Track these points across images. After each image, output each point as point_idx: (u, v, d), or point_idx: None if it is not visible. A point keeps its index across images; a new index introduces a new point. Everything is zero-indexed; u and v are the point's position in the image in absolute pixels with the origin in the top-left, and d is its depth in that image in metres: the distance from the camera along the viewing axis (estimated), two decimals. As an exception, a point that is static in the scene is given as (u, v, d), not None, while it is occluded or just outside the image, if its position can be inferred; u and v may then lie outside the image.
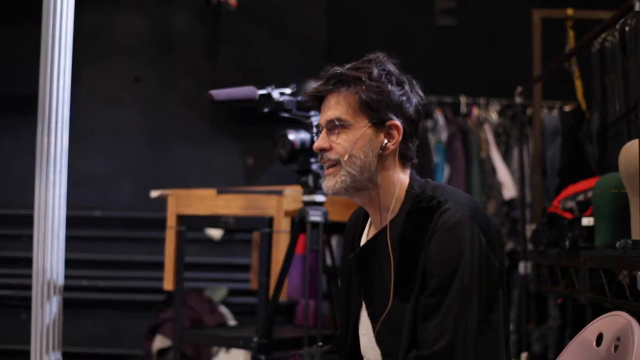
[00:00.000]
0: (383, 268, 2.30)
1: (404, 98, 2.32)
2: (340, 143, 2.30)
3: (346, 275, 2.49)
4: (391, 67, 2.34)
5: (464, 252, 2.14)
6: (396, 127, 2.31)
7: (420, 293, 2.16)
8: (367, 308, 2.35)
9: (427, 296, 2.15)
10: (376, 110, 2.29)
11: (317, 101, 2.40)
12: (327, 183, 2.34)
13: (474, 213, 2.21)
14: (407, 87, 2.34)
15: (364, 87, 2.29)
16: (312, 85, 2.42)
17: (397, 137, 2.31)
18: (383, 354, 2.30)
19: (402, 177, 2.35)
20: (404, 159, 2.36)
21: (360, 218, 2.52)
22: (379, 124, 2.30)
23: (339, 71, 2.33)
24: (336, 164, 2.31)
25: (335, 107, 2.32)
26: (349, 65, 2.35)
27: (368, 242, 2.38)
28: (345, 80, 2.31)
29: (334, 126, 2.31)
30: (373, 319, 2.32)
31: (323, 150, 2.33)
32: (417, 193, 2.31)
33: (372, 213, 2.40)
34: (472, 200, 2.33)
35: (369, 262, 2.35)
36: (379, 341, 2.31)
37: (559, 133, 5.99)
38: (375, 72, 2.31)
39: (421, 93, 2.38)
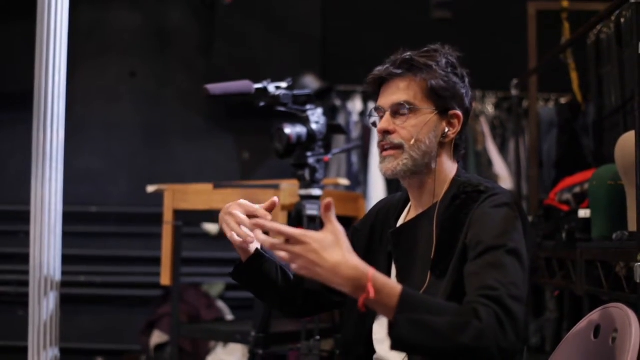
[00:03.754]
0: (422, 246, 2.31)
1: (464, 91, 2.38)
2: (407, 127, 2.32)
3: (364, 252, 2.48)
4: (454, 60, 2.39)
5: (509, 224, 2.13)
6: (458, 116, 2.36)
7: (458, 269, 2.14)
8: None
9: (474, 258, 2.10)
10: (443, 99, 2.33)
11: (377, 85, 2.42)
12: (388, 164, 2.34)
13: (519, 205, 2.23)
14: (466, 80, 2.40)
15: (435, 75, 2.33)
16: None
17: (458, 126, 2.37)
18: None
19: (452, 167, 2.40)
20: (455, 150, 2.41)
21: (396, 203, 2.54)
22: (443, 112, 2.34)
23: (409, 56, 2.36)
24: (398, 147, 2.33)
25: (404, 91, 2.34)
26: (416, 53, 2.38)
27: (410, 220, 2.40)
28: (417, 66, 2.34)
29: (401, 110, 2.34)
30: None
31: (386, 132, 2.34)
32: (463, 180, 2.34)
33: (417, 197, 2.41)
34: (515, 195, 2.33)
35: (408, 239, 2.36)
36: None
37: (555, 125, 6.00)
38: (443, 61, 2.35)
39: (470, 89, 2.43)
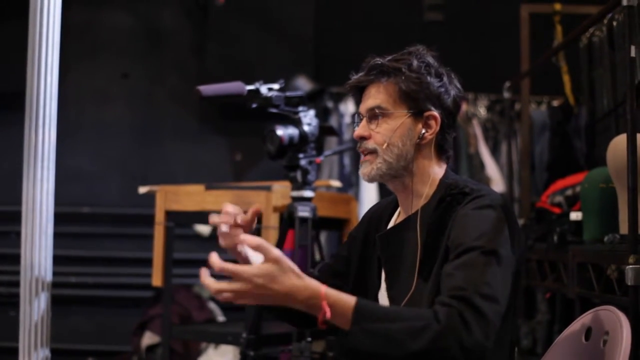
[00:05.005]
0: (409, 250, 2.31)
1: (442, 90, 2.36)
2: (380, 132, 2.34)
3: (359, 258, 2.51)
4: (430, 60, 2.38)
5: (490, 226, 2.13)
6: (434, 117, 2.35)
7: (441, 271, 2.14)
8: (388, 289, 2.36)
9: (452, 259, 2.10)
10: (415, 101, 2.33)
11: (358, 92, 2.44)
12: (364, 170, 2.38)
13: (505, 206, 2.22)
14: (445, 79, 2.38)
15: (403, 78, 2.33)
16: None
17: (435, 127, 2.36)
18: None
19: (437, 169, 2.40)
20: (440, 150, 2.41)
21: (387, 207, 2.55)
22: (418, 114, 2.34)
23: (379, 62, 2.37)
24: (372, 152, 2.35)
25: (375, 96, 2.36)
26: (389, 57, 2.39)
27: (397, 224, 2.41)
28: (386, 71, 2.35)
29: (374, 114, 2.36)
30: (394, 300, 2.33)
31: (362, 138, 2.37)
32: (450, 182, 2.34)
33: (403, 200, 2.42)
34: (505, 197, 2.31)
35: (396, 242, 2.36)
36: None
37: (547, 128, 6.01)
38: (415, 63, 2.35)
39: (459, 86, 2.43)
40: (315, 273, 2.60)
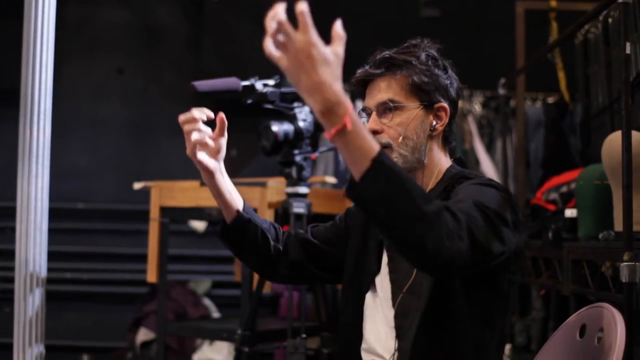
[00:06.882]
0: None
1: (448, 82, 2.38)
2: (393, 126, 2.32)
3: (361, 238, 2.48)
4: (434, 52, 2.39)
5: (491, 198, 2.08)
6: (444, 109, 2.36)
7: None
8: (391, 272, 2.34)
9: None
10: (426, 93, 2.33)
11: (362, 86, 2.43)
12: None
13: (509, 194, 2.19)
14: (450, 71, 2.40)
15: (415, 70, 2.33)
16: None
17: (445, 118, 2.37)
18: (397, 326, 2.28)
19: (444, 159, 2.41)
20: (445, 141, 2.42)
21: None
22: (429, 105, 2.34)
23: (388, 55, 2.36)
24: (386, 147, 2.31)
25: (387, 90, 2.35)
26: (394, 50, 2.38)
27: None
28: (396, 64, 2.34)
29: (386, 108, 2.34)
30: (395, 283, 2.32)
31: (375, 132, 2.33)
32: (455, 172, 2.36)
33: None
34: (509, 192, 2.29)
35: None
36: (399, 311, 2.28)
37: (542, 125, 6.01)
38: (423, 56, 2.36)
39: (457, 78, 2.43)
40: (305, 233, 2.57)
